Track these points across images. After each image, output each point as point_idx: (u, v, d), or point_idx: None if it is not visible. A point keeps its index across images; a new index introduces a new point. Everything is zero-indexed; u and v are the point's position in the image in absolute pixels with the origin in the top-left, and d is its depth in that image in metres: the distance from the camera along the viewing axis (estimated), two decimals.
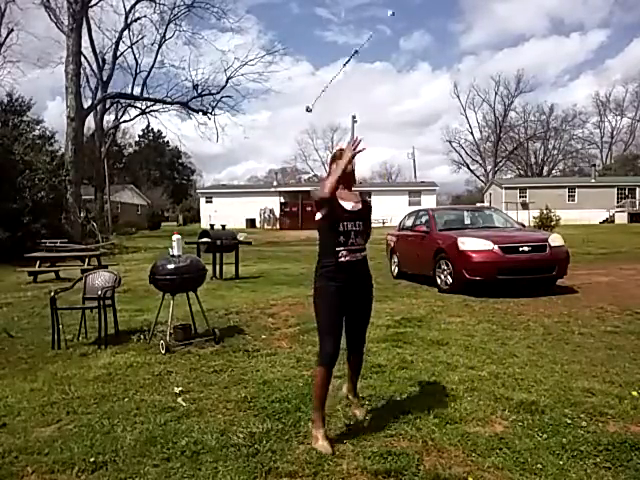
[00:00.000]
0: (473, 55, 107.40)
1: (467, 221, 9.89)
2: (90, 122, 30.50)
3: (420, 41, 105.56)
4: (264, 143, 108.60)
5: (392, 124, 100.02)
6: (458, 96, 63.62)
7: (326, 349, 2.83)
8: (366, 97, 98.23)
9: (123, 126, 48.24)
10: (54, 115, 78.06)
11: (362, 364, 3.34)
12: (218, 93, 29.96)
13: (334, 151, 3.03)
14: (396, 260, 10.37)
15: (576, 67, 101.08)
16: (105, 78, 31.51)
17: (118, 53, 31.87)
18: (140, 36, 32.57)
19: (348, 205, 2.91)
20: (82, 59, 25.34)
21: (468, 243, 8.02)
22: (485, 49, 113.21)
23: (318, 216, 2.88)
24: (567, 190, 40.03)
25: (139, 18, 30.95)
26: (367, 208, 3.05)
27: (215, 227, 11.24)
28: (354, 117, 26.80)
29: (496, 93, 60.67)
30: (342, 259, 2.84)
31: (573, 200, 39.72)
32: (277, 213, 40.13)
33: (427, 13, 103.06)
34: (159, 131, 62.47)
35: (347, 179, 2.95)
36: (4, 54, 29.65)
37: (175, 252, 5.13)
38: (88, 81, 31.13)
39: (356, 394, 3.31)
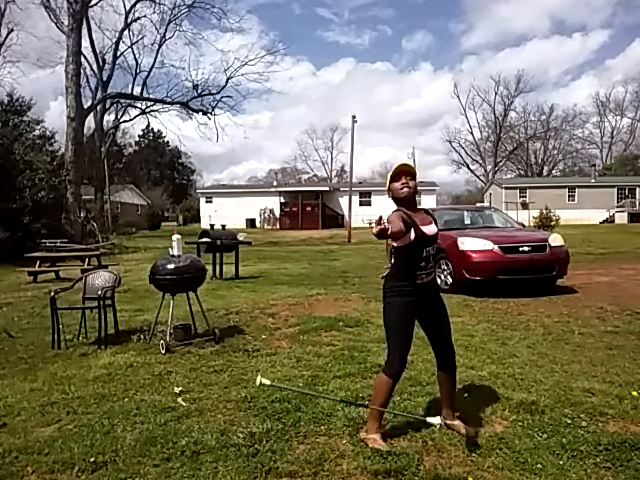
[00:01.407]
0: (475, 55, 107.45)
1: (467, 221, 9.88)
2: (90, 122, 30.56)
3: (422, 41, 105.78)
4: (266, 143, 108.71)
5: (393, 124, 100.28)
6: (458, 96, 63.71)
7: (395, 363, 2.89)
8: (367, 97, 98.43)
9: (123, 126, 48.40)
10: (56, 115, 78.17)
11: (454, 386, 3.10)
12: (218, 93, 30.09)
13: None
14: None
15: (578, 67, 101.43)
16: (105, 78, 31.56)
17: (118, 53, 31.97)
18: (140, 36, 32.77)
19: (428, 230, 2.85)
20: (82, 59, 25.39)
21: (468, 243, 8.01)
22: (486, 49, 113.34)
23: (400, 243, 2.80)
24: (567, 190, 40.01)
25: (139, 18, 31.08)
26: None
27: (215, 227, 11.23)
28: (354, 117, 26.75)
29: (496, 93, 60.73)
30: (419, 281, 2.85)
31: (573, 200, 39.70)
32: (277, 213, 40.12)
33: (428, 13, 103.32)
34: (159, 131, 62.68)
35: (409, 202, 2.86)
36: (4, 54, 29.71)
37: (175, 252, 5.13)
38: (88, 81, 31.24)
39: (454, 415, 3.05)
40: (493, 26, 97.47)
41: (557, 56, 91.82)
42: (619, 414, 3.17)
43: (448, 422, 3.01)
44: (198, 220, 44.67)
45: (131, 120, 37.55)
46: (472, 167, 63.54)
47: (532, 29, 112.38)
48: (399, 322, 2.86)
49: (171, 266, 5.02)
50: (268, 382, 2.90)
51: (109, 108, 34.15)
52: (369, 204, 37.96)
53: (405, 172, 2.82)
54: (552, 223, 22.59)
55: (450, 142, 62.44)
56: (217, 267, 10.57)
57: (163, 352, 4.83)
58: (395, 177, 2.83)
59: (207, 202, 42.34)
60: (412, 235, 2.74)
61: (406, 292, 2.83)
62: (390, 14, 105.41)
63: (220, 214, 36.37)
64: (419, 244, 2.79)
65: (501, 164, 62.04)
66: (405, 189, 2.80)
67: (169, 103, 30.69)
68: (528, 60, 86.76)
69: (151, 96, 31.91)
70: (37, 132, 21.35)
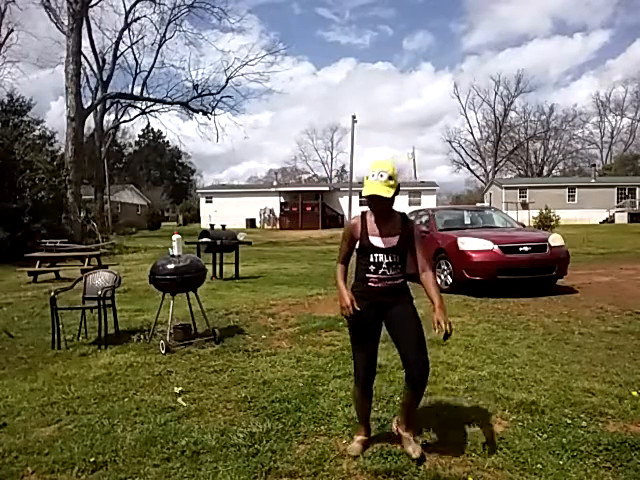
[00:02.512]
0: (475, 55, 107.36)
1: (467, 221, 9.89)
2: (90, 122, 30.52)
3: (422, 41, 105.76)
4: (266, 143, 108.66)
5: (393, 124, 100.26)
6: (458, 96, 63.71)
7: (357, 370, 2.83)
8: (367, 97, 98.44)
9: (123, 126, 48.41)
10: (56, 115, 78.41)
11: (414, 403, 2.76)
12: (218, 93, 30.04)
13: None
14: None
15: (578, 67, 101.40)
16: (105, 78, 31.52)
17: (118, 53, 31.92)
18: (140, 36, 32.73)
19: (378, 241, 2.74)
20: (82, 59, 25.35)
21: (468, 243, 8.01)
22: (487, 49, 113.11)
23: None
24: (567, 190, 39.99)
25: (139, 18, 31.03)
26: (407, 238, 2.77)
27: (215, 227, 11.24)
28: (354, 117, 26.80)
29: (496, 93, 60.67)
30: (371, 284, 2.74)
31: (573, 200, 39.69)
32: (277, 213, 40.11)
33: (429, 13, 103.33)
34: (159, 131, 62.74)
35: (379, 210, 2.81)
36: (4, 54, 29.69)
37: (175, 252, 5.13)
38: (88, 81, 31.20)
39: (407, 428, 2.83)
40: (494, 26, 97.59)
41: (558, 56, 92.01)
42: (619, 414, 3.17)
43: (399, 432, 2.85)
44: (198, 220, 44.67)
45: (131, 120, 37.58)
46: (472, 167, 63.59)
47: (533, 29, 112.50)
48: (355, 327, 2.77)
49: (171, 266, 5.02)
50: None
51: (109, 108, 34.14)
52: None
53: (376, 199, 2.75)
54: (552, 223, 22.58)
55: (450, 142, 62.49)
56: (217, 267, 10.57)
57: (163, 352, 4.83)
58: (368, 197, 2.78)
59: (207, 202, 42.32)
60: (357, 244, 2.80)
61: (360, 294, 2.74)
62: (391, 14, 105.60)
63: (220, 214, 36.35)
64: (364, 251, 2.76)
65: (501, 164, 62.03)
66: (373, 210, 2.84)
67: (169, 103, 30.66)
68: (529, 60, 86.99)
69: (151, 96, 31.90)
70: (37, 132, 21.32)
